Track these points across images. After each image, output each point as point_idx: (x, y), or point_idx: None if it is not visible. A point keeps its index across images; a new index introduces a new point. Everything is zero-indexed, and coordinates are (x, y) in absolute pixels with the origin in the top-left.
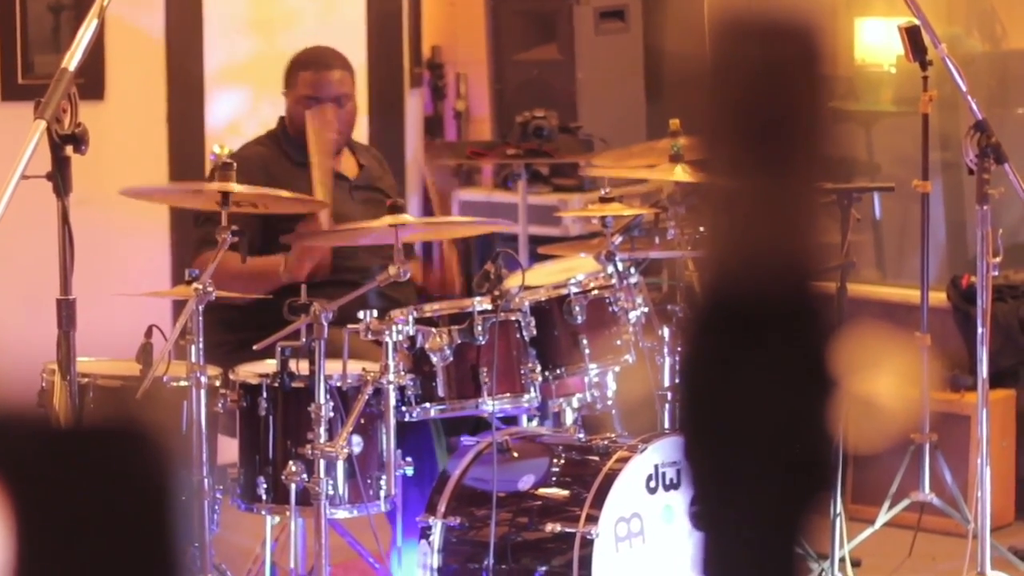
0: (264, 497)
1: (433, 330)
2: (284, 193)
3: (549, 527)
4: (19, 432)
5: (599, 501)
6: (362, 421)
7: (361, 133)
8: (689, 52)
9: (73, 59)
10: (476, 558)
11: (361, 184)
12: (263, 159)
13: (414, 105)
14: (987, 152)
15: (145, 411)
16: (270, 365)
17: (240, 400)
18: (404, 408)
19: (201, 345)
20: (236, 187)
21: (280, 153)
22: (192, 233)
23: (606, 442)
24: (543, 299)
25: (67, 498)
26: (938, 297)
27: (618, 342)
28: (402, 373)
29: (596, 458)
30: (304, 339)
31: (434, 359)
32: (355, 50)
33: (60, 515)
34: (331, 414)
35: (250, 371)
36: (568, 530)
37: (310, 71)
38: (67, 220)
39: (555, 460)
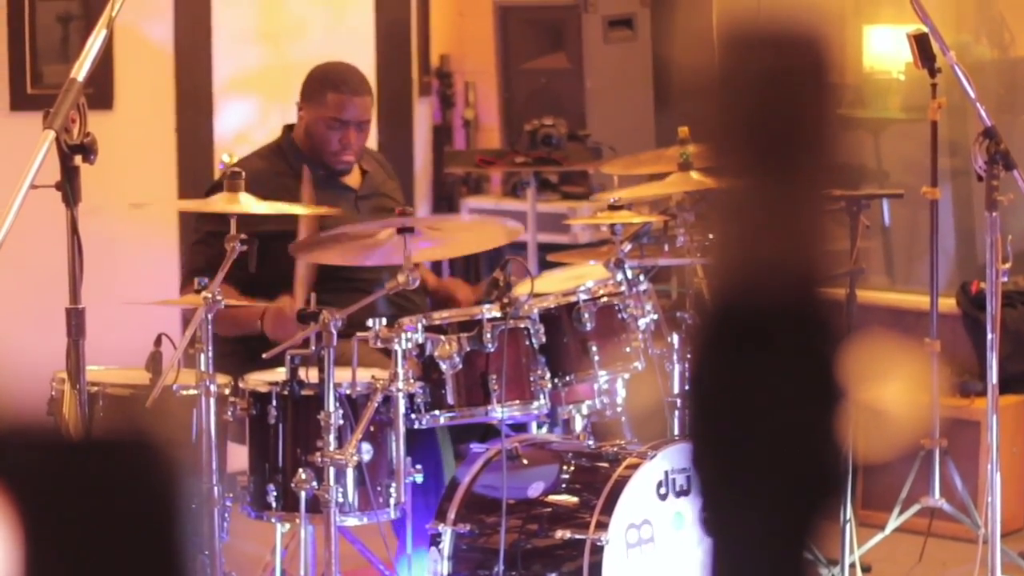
0: (274, 505)
1: (442, 337)
2: (300, 209)
3: (559, 534)
4: (28, 441)
5: (609, 508)
6: (372, 429)
7: (370, 141)
8: (697, 60)
9: (82, 69)
10: (486, 565)
11: (366, 193)
12: (262, 174)
13: (423, 114)
14: (996, 159)
15: (155, 420)
16: (280, 373)
17: (250, 408)
18: (413, 415)
19: (210, 353)
20: (250, 205)
21: (284, 166)
22: (186, 258)
23: (616, 449)
24: (552, 306)
25: (76, 507)
26: (947, 303)
27: (628, 349)
28: (411, 380)
29: (606, 465)
30: (313, 347)
31: (443, 366)
32: (364, 59)
33: (68, 524)
34: (340, 422)
35: (260, 379)
36: (578, 537)
37: (341, 94)
38: (76, 229)
39: (565, 467)
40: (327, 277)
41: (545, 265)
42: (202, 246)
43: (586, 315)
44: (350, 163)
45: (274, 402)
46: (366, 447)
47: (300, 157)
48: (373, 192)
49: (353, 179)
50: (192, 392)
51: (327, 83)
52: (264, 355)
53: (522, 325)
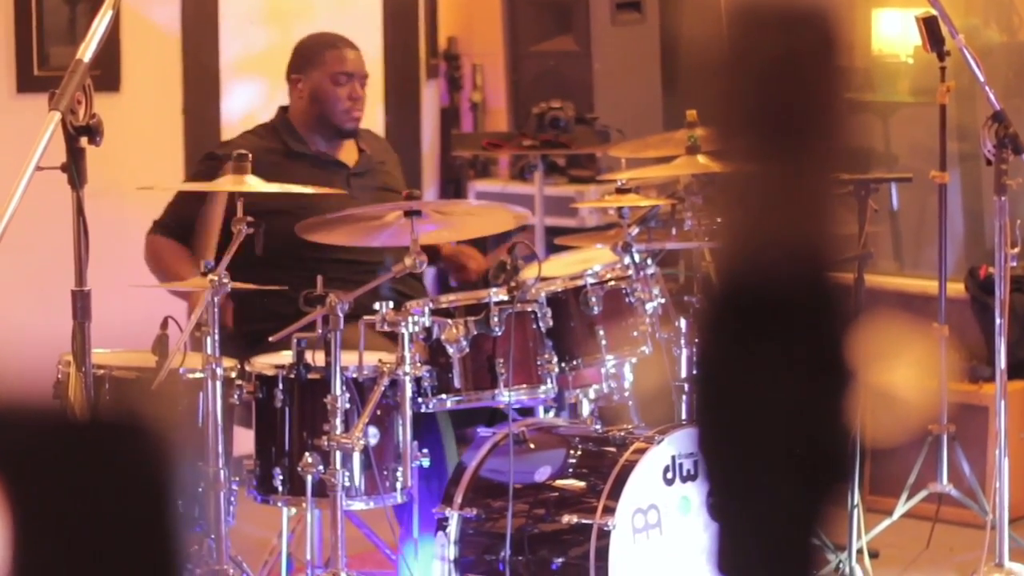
0: (280, 489)
1: (449, 321)
2: (306, 189)
3: (566, 518)
4: (33, 423)
5: (616, 492)
6: (378, 413)
7: (377, 124)
8: (706, 40)
9: (88, 50)
10: (493, 549)
11: (359, 171)
12: (254, 152)
13: (430, 96)
14: (1005, 143)
15: (160, 403)
16: (286, 357)
17: (256, 392)
18: (420, 399)
19: (217, 337)
20: (253, 185)
21: (276, 144)
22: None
23: (623, 433)
24: (559, 290)
25: (76, 490)
26: (956, 288)
27: (635, 333)
28: (418, 364)
29: (613, 449)
30: (320, 330)
31: (450, 350)
32: (371, 41)
33: (65, 507)
34: (347, 405)
35: (266, 363)
36: (585, 521)
37: (339, 49)
38: (82, 211)
39: (572, 451)
40: (332, 259)
41: (552, 248)
42: (179, 205)
43: (593, 299)
44: (359, 120)
45: (280, 386)
46: (372, 431)
47: (295, 135)
48: (368, 171)
49: (348, 156)
50: (198, 375)
51: (321, 44)
52: (271, 338)
53: (529, 309)
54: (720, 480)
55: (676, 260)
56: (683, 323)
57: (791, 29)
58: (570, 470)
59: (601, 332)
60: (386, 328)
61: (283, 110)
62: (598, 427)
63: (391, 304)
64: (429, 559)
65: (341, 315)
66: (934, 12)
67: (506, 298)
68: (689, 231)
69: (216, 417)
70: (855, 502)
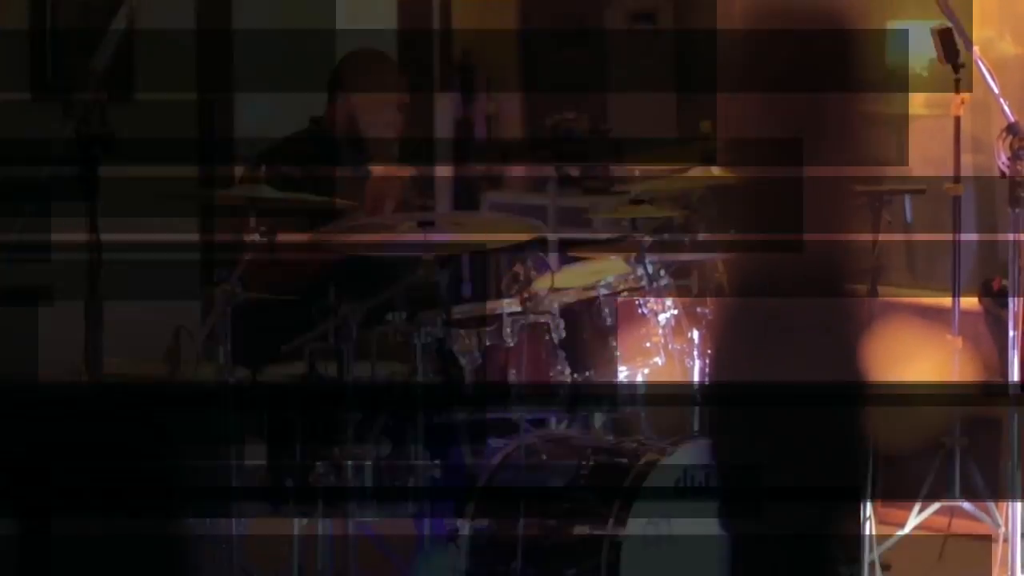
0: (292, 499)
1: (462, 332)
2: (313, 198)
3: (578, 529)
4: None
5: (628, 503)
6: (390, 423)
7: None
8: (722, 50)
9: (102, 59)
10: (504, 561)
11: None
12: (300, 154)
13: (445, 107)
14: (1019, 155)
15: (172, 412)
16: (299, 367)
17: (268, 402)
18: (433, 410)
19: (229, 347)
20: (266, 192)
21: (316, 151)
22: None
23: (635, 444)
24: (573, 301)
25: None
26: (969, 300)
27: (648, 344)
28: (431, 375)
29: (625, 460)
30: (332, 341)
31: (463, 361)
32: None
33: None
34: (359, 416)
35: (278, 372)
36: (597, 532)
37: (383, 72)
38: (96, 220)
39: (584, 462)
40: (346, 270)
41: (566, 260)
42: None
43: (606, 310)
44: (394, 141)
45: (293, 396)
46: (385, 442)
47: (333, 147)
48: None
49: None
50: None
51: (370, 60)
52: (283, 348)
53: (542, 320)
54: (734, 491)
55: (689, 271)
56: (696, 334)
57: (807, 40)
58: (582, 481)
59: (614, 343)
60: (399, 338)
61: (315, 121)
62: (610, 438)
63: (404, 314)
64: (441, 570)
65: (354, 326)
66: (949, 24)
67: (519, 309)
68: (702, 242)
69: (228, 427)
70: (867, 514)
